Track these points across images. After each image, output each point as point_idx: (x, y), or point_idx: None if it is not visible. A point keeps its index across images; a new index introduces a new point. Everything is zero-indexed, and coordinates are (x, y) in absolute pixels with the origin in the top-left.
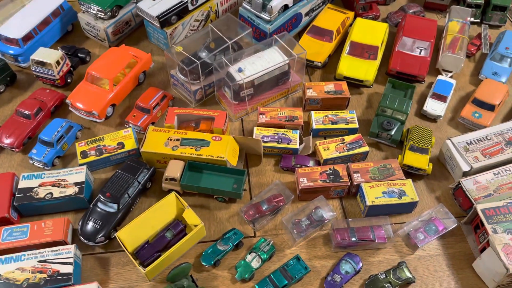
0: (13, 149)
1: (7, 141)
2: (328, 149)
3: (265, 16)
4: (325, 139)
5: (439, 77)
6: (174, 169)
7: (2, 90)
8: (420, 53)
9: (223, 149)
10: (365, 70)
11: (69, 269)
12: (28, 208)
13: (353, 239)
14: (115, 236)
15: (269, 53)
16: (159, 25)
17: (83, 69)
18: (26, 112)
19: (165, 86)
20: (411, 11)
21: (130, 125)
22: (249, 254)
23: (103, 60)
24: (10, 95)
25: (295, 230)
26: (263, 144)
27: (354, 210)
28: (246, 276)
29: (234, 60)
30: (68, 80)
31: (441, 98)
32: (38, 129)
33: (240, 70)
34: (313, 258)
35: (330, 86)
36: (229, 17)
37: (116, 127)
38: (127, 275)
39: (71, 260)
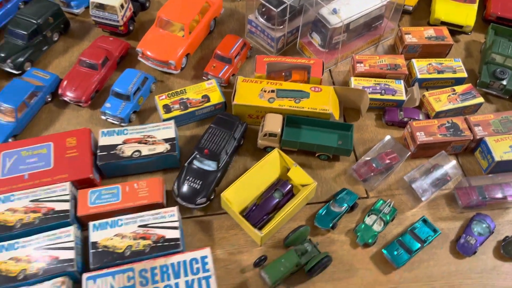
0: (80, 104)
1: (72, 94)
2: (440, 100)
3: None
4: (427, 90)
5: None
6: (274, 124)
7: (56, 39)
8: None
9: (326, 101)
10: (465, 14)
11: (175, 234)
12: (112, 168)
13: (482, 198)
14: (213, 197)
15: None
16: None
17: (143, 16)
18: (92, 62)
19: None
20: None
21: (209, 76)
22: (368, 216)
23: (174, 3)
24: (65, 45)
25: (420, 190)
26: None
27: (473, 167)
28: (370, 240)
29: (316, 3)
30: (131, 28)
31: None
32: (106, 81)
33: (335, 12)
34: (438, 220)
35: (430, 31)
36: None
37: (191, 79)
38: (233, 239)
39: (176, 224)
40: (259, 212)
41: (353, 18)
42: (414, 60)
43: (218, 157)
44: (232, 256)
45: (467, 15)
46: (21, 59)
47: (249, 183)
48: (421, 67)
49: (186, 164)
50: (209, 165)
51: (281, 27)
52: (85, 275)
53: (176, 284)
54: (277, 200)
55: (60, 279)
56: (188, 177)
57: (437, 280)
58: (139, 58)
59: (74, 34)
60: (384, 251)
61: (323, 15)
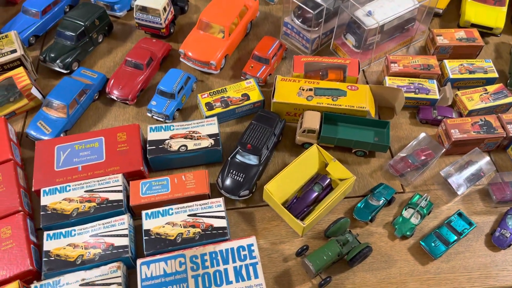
0: (127, 102)
1: (119, 93)
2: (472, 99)
3: None
4: (458, 89)
5: None
6: (313, 120)
7: (100, 40)
8: None
9: (363, 99)
10: (495, 16)
11: (222, 223)
12: (160, 161)
13: None
14: (255, 190)
15: None
16: None
17: (182, 19)
18: (138, 62)
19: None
20: None
21: (248, 76)
22: (405, 210)
23: (215, 6)
24: (109, 46)
25: (456, 184)
26: None
27: (506, 164)
28: (408, 233)
29: (351, 5)
30: (171, 30)
31: None
32: (150, 80)
33: (370, 14)
34: (472, 214)
35: (460, 33)
36: None
37: (230, 79)
38: (275, 230)
39: (223, 214)
40: (299, 205)
41: (388, 20)
42: (446, 61)
43: (260, 151)
44: (275, 245)
45: (497, 17)
46: (69, 59)
47: (290, 177)
48: (453, 67)
49: (229, 159)
50: (251, 159)
51: (317, 28)
52: (139, 261)
53: (225, 270)
54: (317, 193)
55: (115, 264)
56: (231, 171)
57: (473, 271)
58: (181, 59)
59: (116, 36)
60: (422, 243)
61: (358, 17)
